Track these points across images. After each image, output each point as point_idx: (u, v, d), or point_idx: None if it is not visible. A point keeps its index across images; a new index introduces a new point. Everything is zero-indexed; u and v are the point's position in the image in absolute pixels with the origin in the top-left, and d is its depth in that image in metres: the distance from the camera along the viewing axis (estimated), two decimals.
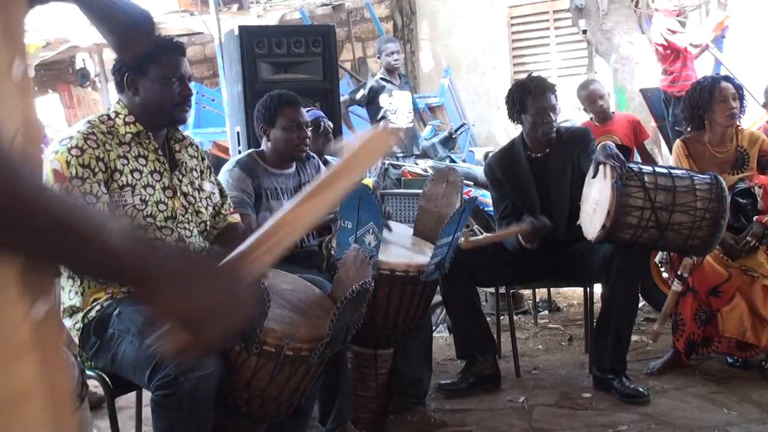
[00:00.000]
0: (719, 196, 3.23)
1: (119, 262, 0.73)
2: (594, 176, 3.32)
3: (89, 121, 2.36)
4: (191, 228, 2.46)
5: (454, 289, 3.45)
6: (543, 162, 3.65)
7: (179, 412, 2.01)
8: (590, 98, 5.15)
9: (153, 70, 2.37)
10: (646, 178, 3.25)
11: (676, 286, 3.54)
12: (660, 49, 6.72)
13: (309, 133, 3.27)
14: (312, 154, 3.46)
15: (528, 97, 3.58)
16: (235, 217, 2.70)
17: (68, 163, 2.21)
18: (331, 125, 3.97)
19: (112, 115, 2.39)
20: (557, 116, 3.65)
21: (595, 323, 3.59)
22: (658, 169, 3.40)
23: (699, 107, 3.74)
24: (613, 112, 5.35)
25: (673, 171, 3.40)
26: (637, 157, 5.10)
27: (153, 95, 2.38)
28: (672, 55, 6.60)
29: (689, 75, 6.46)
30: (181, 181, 2.48)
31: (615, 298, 3.38)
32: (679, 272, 3.53)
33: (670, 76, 6.57)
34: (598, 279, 3.59)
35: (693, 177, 3.32)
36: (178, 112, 2.44)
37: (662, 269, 4.27)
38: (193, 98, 2.52)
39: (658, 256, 4.19)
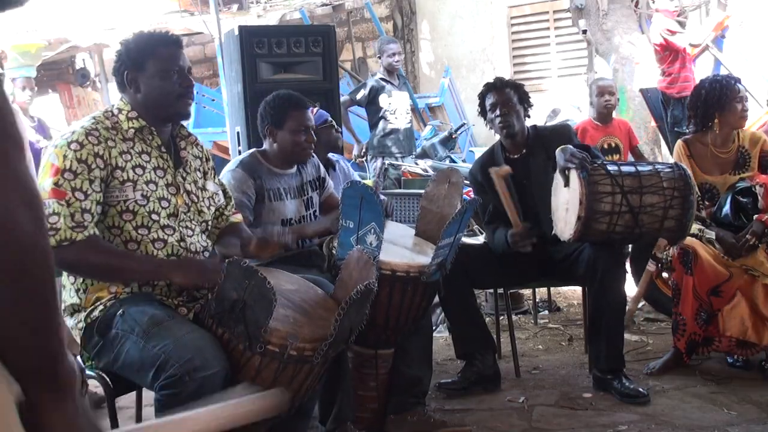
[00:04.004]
0: (683, 176, 3.29)
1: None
2: (566, 185, 3.33)
3: (94, 117, 2.37)
4: (193, 227, 2.46)
5: (451, 289, 3.44)
6: (523, 162, 3.65)
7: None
8: (600, 90, 5.17)
9: (151, 65, 2.37)
10: (609, 167, 3.31)
11: (651, 266, 3.56)
12: (658, 49, 6.71)
13: (314, 137, 3.27)
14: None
15: (485, 96, 3.64)
16: (237, 217, 2.71)
17: (65, 156, 2.21)
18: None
19: (115, 111, 2.40)
20: (516, 113, 3.58)
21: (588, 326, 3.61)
22: (618, 162, 3.50)
23: (713, 105, 3.73)
24: (612, 117, 5.38)
25: (635, 163, 3.51)
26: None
27: (153, 90, 2.37)
28: (671, 56, 6.60)
29: (688, 76, 6.47)
30: (185, 178, 2.48)
31: (602, 300, 3.38)
32: (654, 252, 3.56)
33: (669, 77, 6.57)
34: (583, 282, 3.60)
35: (654, 163, 3.45)
36: (181, 105, 2.42)
37: (662, 269, 4.28)
38: (194, 92, 2.53)
39: (659, 256, 4.20)
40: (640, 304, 4.57)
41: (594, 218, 3.23)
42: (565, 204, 3.35)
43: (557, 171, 3.37)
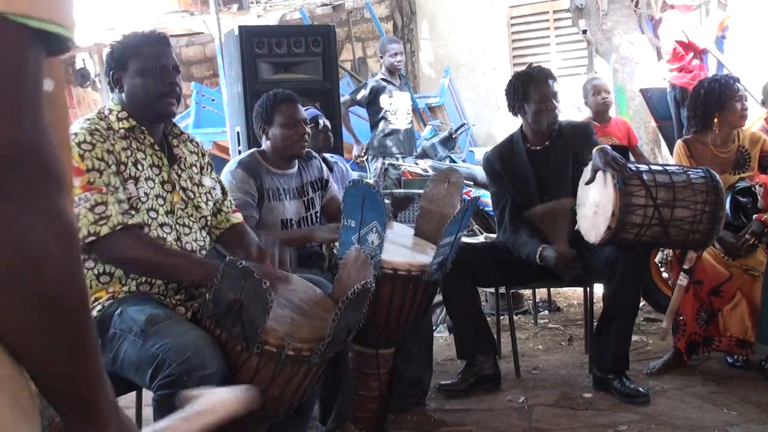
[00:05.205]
0: (715, 189, 3.25)
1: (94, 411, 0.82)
2: (589, 182, 3.31)
3: (88, 119, 2.34)
4: (191, 224, 2.44)
5: (456, 289, 3.44)
6: (543, 155, 3.63)
7: None
8: (595, 89, 5.17)
9: (132, 64, 2.34)
10: (645, 177, 3.25)
11: (682, 280, 3.52)
12: (677, 47, 6.60)
13: (308, 130, 3.26)
14: (314, 153, 3.46)
15: (530, 84, 3.55)
16: (238, 217, 2.67)
17: (81, 156, 2.18)
18: (329, 124, 3.97)
19: (107, 112, 2.37)
20: (559, 105, 3.60)
21: (596, 323, 3.59)
22: (653, 167, 3.42)
23: (713, 105, 3.73)
24: (609, 117, 5.37)
25: (667, 167, 3.42)
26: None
27: (135, 89, 2.34)
28: (690, 52, 6.53)
29: (706, 73, 6.42)
30: (179, 175, 2.46)
31: (618, 299, 3.36)
32: (684, 266, 3.51)
33: (690, 74, 6.46)
34: (599, 279, 3.58)
35: (687, 171, 3.34)
36: (162, 105, 2.36)
37: (662, 269, 4.27)
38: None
39: (658, 257, 4.19)
40: (640, 304, 4.56)
41: (623, 229, 3.21)
42: (594, 206, 3.31)
43: (589, 167, 3.33)
